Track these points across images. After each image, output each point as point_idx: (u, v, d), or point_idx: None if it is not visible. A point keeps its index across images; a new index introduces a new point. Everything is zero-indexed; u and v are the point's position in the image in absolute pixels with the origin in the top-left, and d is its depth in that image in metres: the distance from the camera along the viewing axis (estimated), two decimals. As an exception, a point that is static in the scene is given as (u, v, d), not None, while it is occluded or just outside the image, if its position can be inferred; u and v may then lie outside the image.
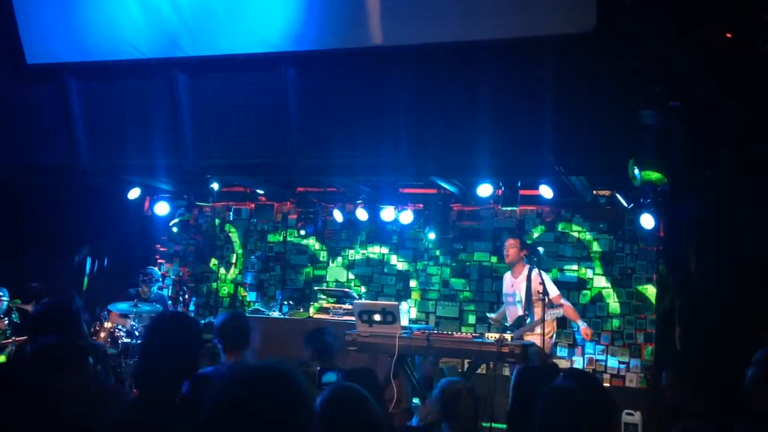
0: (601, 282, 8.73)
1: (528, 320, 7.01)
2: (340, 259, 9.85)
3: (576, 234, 8.89)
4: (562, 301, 7.27)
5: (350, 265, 9.76)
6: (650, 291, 8.43)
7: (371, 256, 9.69)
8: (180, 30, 6.86)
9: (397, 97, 6.56)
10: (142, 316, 7.95)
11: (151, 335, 3.19)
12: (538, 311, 6.91)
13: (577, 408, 3.01)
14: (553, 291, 7.13)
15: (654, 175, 5.64)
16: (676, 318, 7.11)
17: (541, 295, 6.73)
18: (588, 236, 8.83)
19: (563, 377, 3.42)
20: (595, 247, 8.79)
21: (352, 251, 9.79)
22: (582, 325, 7.37)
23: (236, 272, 10.27)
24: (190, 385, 3.07)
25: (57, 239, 9.10)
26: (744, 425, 2.52)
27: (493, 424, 6.69)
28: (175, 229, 10.07)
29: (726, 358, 5.72)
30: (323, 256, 9.96)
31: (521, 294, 7.18)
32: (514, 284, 7.40)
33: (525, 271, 7.27)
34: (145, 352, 3.17)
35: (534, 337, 6.81)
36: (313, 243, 9.97)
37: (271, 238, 10.18)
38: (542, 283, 6.79)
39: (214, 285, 10.33)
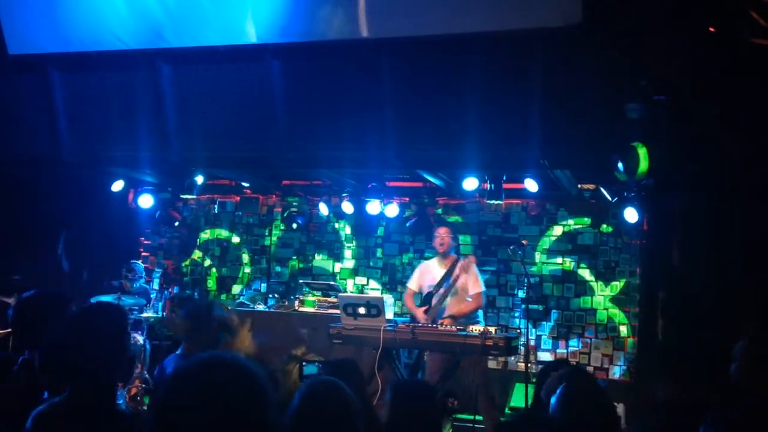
0: (585, 275, 8.78)
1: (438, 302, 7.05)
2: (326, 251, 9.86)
3: (561, 227, 8.93)
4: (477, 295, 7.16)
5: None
6: (634, 284, 8.48)
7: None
8: (164, 21, 6.80)
9: (383, 89, 6.54)
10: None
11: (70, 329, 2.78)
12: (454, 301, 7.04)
13: (576, 407, 3.02)
14: (479, 287, 7.11)
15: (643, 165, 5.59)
16: (659, 311, 7.17)
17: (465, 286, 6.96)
18: (572, 230, 8.87)
19: (561, 374, 3.42)
20: (580, 240, 8.83)
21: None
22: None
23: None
24: None
25: (40, 231, 9.02)
26: (714, 414, 2.55)
27: (477, 417, 6.72)
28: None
29: (709, 349, 5.78)
30: (308, 249, 9.94)
31: (457, 283, 7.12)
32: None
33: (452, 260, 7.26)
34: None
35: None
36: (298, 236, 9.95)
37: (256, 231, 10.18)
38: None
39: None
